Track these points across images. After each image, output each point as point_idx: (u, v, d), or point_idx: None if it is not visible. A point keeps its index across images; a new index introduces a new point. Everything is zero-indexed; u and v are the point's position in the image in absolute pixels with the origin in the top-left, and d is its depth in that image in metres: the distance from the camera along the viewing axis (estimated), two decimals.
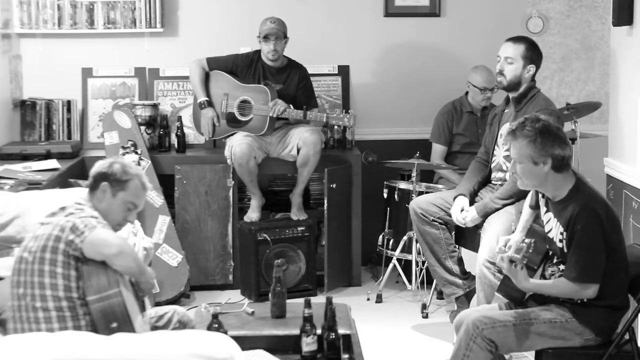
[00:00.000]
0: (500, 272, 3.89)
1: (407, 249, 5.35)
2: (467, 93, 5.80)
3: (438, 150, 5.79)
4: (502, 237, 3.85)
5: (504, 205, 4.47)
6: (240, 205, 5.74)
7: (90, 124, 5.97)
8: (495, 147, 4.67)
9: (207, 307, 3.70)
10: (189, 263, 5.43)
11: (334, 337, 3.41)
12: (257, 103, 5.51)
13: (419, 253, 5.19)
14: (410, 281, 5.38)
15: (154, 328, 3.34)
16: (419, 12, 6.19)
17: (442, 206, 4.76)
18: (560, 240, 3.43)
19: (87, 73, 5.97)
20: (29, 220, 3.94)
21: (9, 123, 5.80)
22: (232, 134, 5.55)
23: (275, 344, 3.52)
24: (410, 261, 5.30)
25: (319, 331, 3.45)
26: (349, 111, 5.67)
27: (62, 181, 4.98)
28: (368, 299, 5.46)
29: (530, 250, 3.40)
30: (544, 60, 4.77)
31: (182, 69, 5.90)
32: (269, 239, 5.40)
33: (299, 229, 5.51)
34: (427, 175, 5.89)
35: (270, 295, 3.83)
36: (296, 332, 3.48)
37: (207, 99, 5.59)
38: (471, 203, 4.63)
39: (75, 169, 5.33)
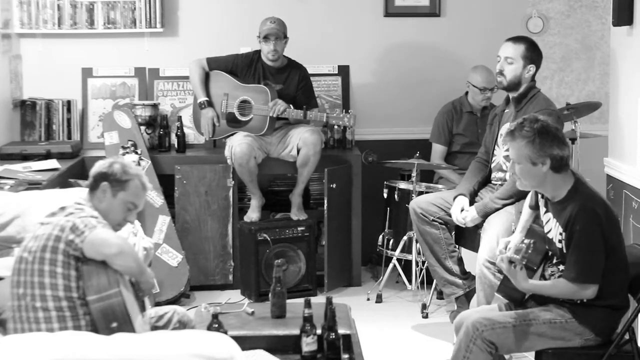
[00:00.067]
0: (500, 272, 3.89)
1: (407, 249, 5.35)
2: (467, 93, 5.80)
3: (438, 150, 5.80)
4: (501, 239, 3.85)
5: (504, 205, 4.47)
6: (240, 205, 5.74)
7: (90, 124, 5.97)
8: (496, 147, 4.67)
9: (207, 307, 3.70)
10: (189, 263, 5.43)
11: (334, 337, 3.41)
12: (257, 103, 5.51)
13: (419, 253, 5.20)
14: (410, 281, 5.38)
15: (154, 328, 3.34)
16: (419, 12, 6.19)
17: (442, 206, 4.76)
18: (560, 241, 3.43)
19: (87, 73, 5.98)
20: (29, 220, 3.94)
21: (9, 123, 5.80)
22: (232, 134, 5.55)
23: (275, 344, 3.52)
24: (410, 261, 5.30)
25: (319, 331, 3.45)
26: (349, 111, 5.67)
27: (62, 181, 4.99)
28: (368, 299, 5.46)
29: (530, 251, 3.40)
30: (544, 60, 4.77)
31: (182, 69, 5.90)
32: (269, 239, 5.40)
33: (299, 229, 5.51)
34: (427, 175, 5.89)
35: (270, 295, 3.83)
36: (296, 332, 3.48)
37: (207, 99, 5.59)
38: (471, 203, 4.64)
39: (75, 169, 5.33)
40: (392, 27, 6.20)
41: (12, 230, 4.05)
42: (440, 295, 5.29)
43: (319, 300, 3.96)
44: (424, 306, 5.14)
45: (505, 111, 4.67)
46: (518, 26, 6.16)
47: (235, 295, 5.45)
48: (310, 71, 5.76)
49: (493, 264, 4.22)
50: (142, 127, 5.72)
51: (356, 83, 6.18)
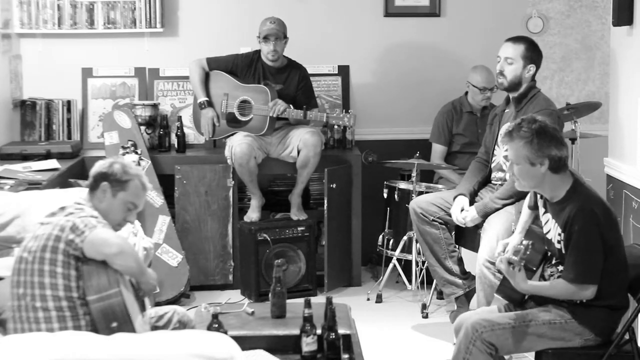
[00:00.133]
0: (500, 272, 3.89)
1: (407, 249, 5.35)
2: (466, 93, 5.80)
3: (438, 150, 5.80)
4: (501, 241, 3.85)
5: (504, 205, 4.47)
6: (240, 205, 5.74)
7: (90, 124, 5.97)
8: (496, 147, 4.67)
9: (207, 307, 3.70)
10: (189, 263, 5.44)
11: (334, 337, 3.41)
12: (257, 103, 5.51)
13: (419, 253, 5.20)
14: (410, 281, 5.38)
15: (154, 328, 3.34)
16: (419, 12, 6.19)
17: (442, 206, 4.76)
18: (559, 241, 3.43)
19: (87, 73, 5.98)
20: (29, 220, 3.94)
21: (9, 123, 5.80)
22: (232, 134, 5.55)
23: (275, 344, 3.52)
24: (410, 261, 5.30)
25: (319, 331, 3.45)
26: (349, 111, 5.67)
27: (62, 181, 4.99)
28: (368, 299, 5.46)
29: (528, 252, 3.39)
30: (544, 60, 4.77)
31: (182, 69, 5.90)
32: (269, 239, 5.40)
33: (299, 229, 5.51)
34: (427, 175, 5.89)
35: (270, 295, 3.83)
36: (296, 332, 3.48)
37: (207, 99, 5.59)
38: (471, 203, 4.64)
39: (75, 169, 5.33)
40: (392, 27, 6.20)
41: (12, 230, 4.05)
42: (440, 295, 5.29)
43: (319, 300, 3.96)
44: (424, 306, 5.14)
45: (506, 111, 4.67)
46: (518, 26, 6.16)
47: (235, 295, 5.45)
48: (310, 71, 5.76)
49: (493, 263, 4.22)
50: (142, 127, 5.72)
51: (356, 83, 6.18)
